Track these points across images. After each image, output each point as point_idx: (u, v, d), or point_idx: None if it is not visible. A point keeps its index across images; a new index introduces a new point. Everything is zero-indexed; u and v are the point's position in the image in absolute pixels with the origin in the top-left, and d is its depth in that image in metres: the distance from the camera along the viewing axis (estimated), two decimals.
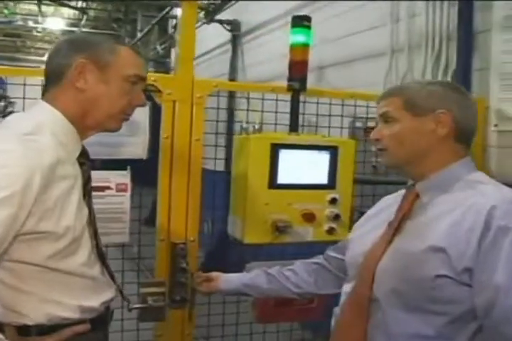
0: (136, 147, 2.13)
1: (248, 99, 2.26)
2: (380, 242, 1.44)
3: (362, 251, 1.49)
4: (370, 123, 3.06)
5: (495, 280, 1.22)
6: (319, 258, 1.83)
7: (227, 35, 6.45)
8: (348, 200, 2.26)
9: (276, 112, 2.34)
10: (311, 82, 3.98)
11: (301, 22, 2.20)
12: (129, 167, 2.09)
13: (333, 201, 2.21)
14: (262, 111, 2.28)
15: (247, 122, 2.16)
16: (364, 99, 2.38)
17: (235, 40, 6.35)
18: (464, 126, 1.43)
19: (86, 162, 1.46)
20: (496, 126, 2.74)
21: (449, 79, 2.95)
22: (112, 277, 1.51)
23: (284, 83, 2.22)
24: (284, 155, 2.12)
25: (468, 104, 1.46)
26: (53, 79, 1.41)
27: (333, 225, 2.22)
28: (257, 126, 2.14)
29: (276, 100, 2.32)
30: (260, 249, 2.34)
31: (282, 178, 2.13)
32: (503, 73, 2.69)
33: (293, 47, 2.21)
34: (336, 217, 2.20)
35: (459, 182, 1.40)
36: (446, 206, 1.36)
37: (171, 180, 2.15)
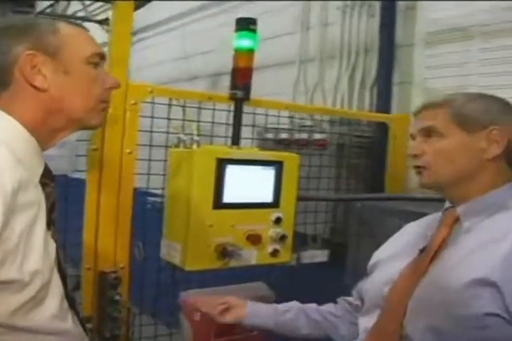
0: (60, 161, 1.81)
1: (184, 107, 2.03)
2: (411, 271, 1.29)
3: (385, 280, 1.33)
4: (284, 135, 2.95)
5: None
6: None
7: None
8: (291, 219, 2.10)
9: (213, 123, 2.13)
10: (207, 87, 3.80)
11: (246, 25, 2.00)
12: None
13: (278, 221, 2.04)
14: (199, 122, 2.05)
15: (185, 133, 1.92)
16: (307, 112, 2.24)
17: None
18: None
19: (50, 182, 1.16)
20: None
21: (367, 91, 2.91)
22: (84, 326, 1.21)
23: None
24: (230, 171, 1.92)
25: None
26: None
27: (277, 247, 2.05)
28: (195, 138, 1.91)
29: (214, 109, 2.11)
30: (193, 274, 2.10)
31: (228, 197, 1.92)
32: (426, 88, 2.69)
33: (237, 53, 2.01)
34: (282, 238, 2.03)
35: (506, 207, 1.27)
36: (493, 234, 1.22)
37: (99, 198, 1.87)
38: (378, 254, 1.52)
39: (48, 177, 1.15)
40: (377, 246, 2.21)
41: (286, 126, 2.90)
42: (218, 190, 1.90)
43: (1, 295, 0.99)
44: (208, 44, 3.80)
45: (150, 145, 2.04)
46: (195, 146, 1.93)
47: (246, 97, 2.03)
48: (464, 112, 1.29)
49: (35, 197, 1.07)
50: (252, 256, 2.00)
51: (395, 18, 2.75)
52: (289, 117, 2.76)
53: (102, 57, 1.19)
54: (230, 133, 2.06)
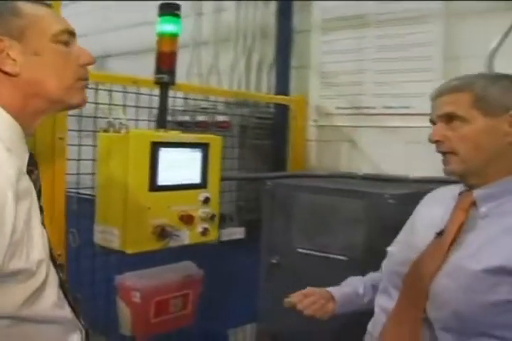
0: None
1: (110, 91, 2.02)
2: (431, 255, 1.31)
3: (403, 259, 1.37)
4: (183, 117, 2.98)
5: None
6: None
7: None
8: (217, 199, 2.19)
9: (137, 107, 2.14)
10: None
11: (170, 10, 2.03)
12: None
13: (206, 201, 2.12)
14: (125, 106, 2.06)
15: (114, 118, 1.93)
16: (223, 95, 2.32)
17: None
18: None
19: (34, 170, 1.15)
20: (315, 121, 2.93)
21: (265, 75, 3.04)
22: (76, 314, 1.22)
23: None
24: (163, 154, 1.96)
25: None
26: None
27: (206, 226, 2.13)
28: (123, 122, 1.93)
29: (137, 93, 2.13)
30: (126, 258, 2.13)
31: (162, 179, 1.97)
32: (322, 72, 2.88)
33: (161, 38, 2.04)
34: (212, 217, 2.11)
35: None
36: None
37: None
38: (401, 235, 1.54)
39: (32, 165, 1.15)
40: (289, 221, 2.38)
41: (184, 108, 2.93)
42: (153, 172, 1.94)
43: (10, 287, 0.99)
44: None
45: (80, 131, 2.02)
46: (124, 130, 1.95)
47: (171, 82, 2.07)
48: (486, 97, 1.27)
49: (28, 184, 1.07)
50: (185, 236, 2.07)
51: (291, 5, 2.89)
52: (185, 98, 2.76)
53: (71, 33, 1.16)
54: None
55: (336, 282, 2.20)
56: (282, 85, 2.93)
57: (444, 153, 1.34)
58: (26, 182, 1.06)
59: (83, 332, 1.20)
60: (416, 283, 1.30)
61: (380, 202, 2.13)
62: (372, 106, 2.71)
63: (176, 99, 2.51)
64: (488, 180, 1.31)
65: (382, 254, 2.06)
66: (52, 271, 1.11)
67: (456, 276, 1.23)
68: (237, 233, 2.53)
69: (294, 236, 2.38)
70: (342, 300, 1.61)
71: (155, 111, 2.31)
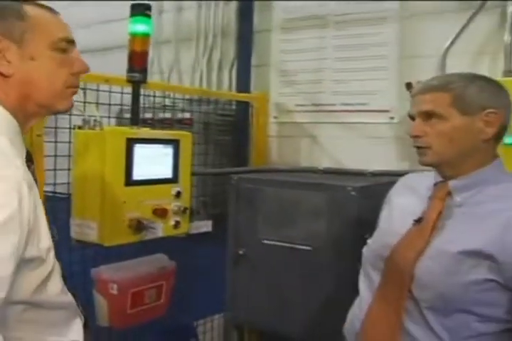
0: None
1: (85, 90, 2.07)
2: (412, 240, 1.41)
3: (384, 244, 1.47)
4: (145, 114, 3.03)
5: None
6: None
7: None
8: (188, 193, 2.27)
9: (110, 104, 2.20)
10: None
11: (141, 10, 2.10)
12: None
13: (178, 195, 2.20)
14: (97, 104, 2.12)
15: (89, 116, 1.98)
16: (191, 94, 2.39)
17: None
18: (506, 125, 1.41)
19: (31, 165, 1.20)
20: (275, 117, 3.04)
21: (226, 73, 3.13)
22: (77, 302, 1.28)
23: None
24: (137, 149, 2.03)
25: (510, 102, 1.42)
26: None
27: (178, 219, 2.21)
28: (98, 119, 1.98)
29: (110, 92, 2.18)
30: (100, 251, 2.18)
31: (137, 174, 2.04)
32: (282, 70, 2.99)
33: (133, 38, 2.11)
34: (185, 211, 2.20)
35: (495, 182, 1.39)
36: (487, 207, 1.35)
37: None
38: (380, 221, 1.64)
39: (29, 159, 1.20)
40: (255, 214, 2.47)
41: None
42: (128, 167, 2.01)
43: (24, 274, 1.04)
44: None
45: (55, 128, 2.06)
46: (98, 128, 2.01)
47: (143, 80, 2.14)
48: (463, 96, 1.37)
49: (30, 176, 1.13)
50: (159, 229, 2.14)
51: (252, 5, 2.99)
52: (146, 95, 2.81)
53: (70, 41, 1.19)
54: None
55: (301, 271, 2.32)
56: (243, 83, 3.02)
57: (420, 148, 1.44)
58: (29, 174, 1.11)
59: (83, 318, 1.27)
60: (399, 265, 1.40)
61: (342, 194, 2.24)
62: (332, 103, 2.84)
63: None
64: (461, 172, 1.42)
65: (346, 243, 2.19)
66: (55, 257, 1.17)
67: (438, 259, 1.35)
68: (205, 226, 2.61)
69: (260, 229, 2.47)
70: None
71: (114, 108, 2.38)
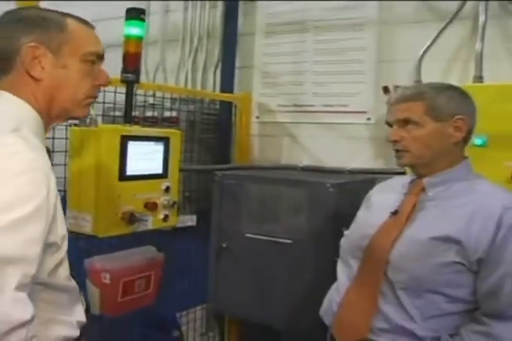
0: None
1: None
2: (389, 229, 1.59)
3: (363, 235, 1.63)
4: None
5: (502, 268, 1.44)
6: None
7: None
8: (176, 188, 2.38)
9: (103, 103, 2.31)
10: None
11: (136, 14, 2.21)
12: None
13: (167, 189, 2.32)
14: (93, 102, 2.21)
15: None
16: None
17: None
18: (472, 130, 1.60)
19: (51, 162, 1.32)
20: (258, 117, 3.17)
21: (210, 73, 3.25)
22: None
23: None
24: (131, 146, 2.14)
25: (475, 109, 1.61)
26: None
27: (167, 212, 2.32)
28: (93, 117, 2.08)
29: (104, 92, 2.28)
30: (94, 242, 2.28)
31: (130, 170, 2.15)
32: (265, 72, 3.13)
33: (127, 40, 2.21)
34: (173, 205, 2.31)
35: (463, 180, 1.58)
36: (455, 202, 1.54)
37: None
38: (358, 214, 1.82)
39: (48, 153, 1.32)
40: (238, 209, 2.60)
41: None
42: (122, 163, 2.11)
43: (45, 257, 1.13)
44: None
45: None
46: (93, 125, 2.11)
47: (137, 80, 2.25)
48: (434, 105, 1.56)
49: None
50: (149, 222, 2.26)
51: (237, 9, 3.12)
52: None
53: (99, 56, 1.31)
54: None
55: (282, 263, 2.45)
56: (227, 84, 3.15)
57: (398, 151, 1.62)
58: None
59: (84, 304, 1.39)
60: (376, 252, 1.58)
61: (322, 191, 2.38)
62: (312, 104, 2.98)
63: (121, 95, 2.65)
64: (434, 170, 1.61)
65: (324, 236, 2.33)
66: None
67: (411, 246, 1.53)
68: (189, 220, 2.73)
69: (243, 223, 2.59)
70: None
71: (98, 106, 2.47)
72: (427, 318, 1.51)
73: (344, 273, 1.71)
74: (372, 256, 1.60)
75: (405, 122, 1.58)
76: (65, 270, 1.25)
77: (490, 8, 2.42)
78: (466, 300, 1.51)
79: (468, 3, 2.51)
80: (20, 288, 1.01)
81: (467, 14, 2.52)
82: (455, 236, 1.47)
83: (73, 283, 1.31)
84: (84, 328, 1.32)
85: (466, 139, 1.61)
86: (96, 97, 1.37)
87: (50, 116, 1.29)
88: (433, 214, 1.57)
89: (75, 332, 1.25)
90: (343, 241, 1.80)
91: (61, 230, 1.19)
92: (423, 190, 1.62)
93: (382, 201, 1.74)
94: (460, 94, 1.62)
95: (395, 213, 1.63)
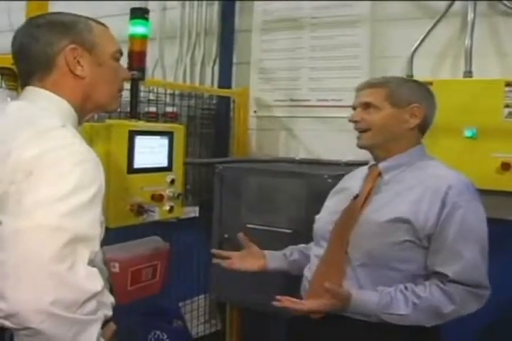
0: None
1: None
2: (348, 214, 1.75)
3: (330, 220, 1.78)
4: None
5: (448, 243, 1.60)
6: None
7: None
8: (181, 181, 2.48)
9: None
10: None
11: (140, 14, 2.30)
12: None
13: (172, 182, 2.41)
14: None
15: None
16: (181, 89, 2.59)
17: None
18: (428, 119, 1.76)
19: None
20: (255, 112, 3.27)
21: (208, 69, 3.34)
22: None
23: None
24: (138, 141, 2.23)
25: (434, 101, 1.79)
26: (38, 68, 1.35)
27: (173, 204, 2.42)
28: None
29: None
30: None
31: (137, 163, 2.24)
32: (261, 68, 3.23)
33: (132, 39, 2.30)
34: (179, 196, 2.41)
35: (416, 164, 1.74)
36: (407, 184, 1.69)
37: None
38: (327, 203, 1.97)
39: None
40: (239, 200, 2.69)
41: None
42: (130, 157, 2.21)
43: None
44: None
45: None
46: (101, 121, 2.21)
47: (142, 77, 2.34)
48: (395, 93, 1.72)
49: None
50: (156, 213, 2.35)
51: (234, 7, 3.22)
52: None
53: (121, 53, 1.47)
54: None
55: None
56: (225, 79, 3.25)
57: (359, 131, 1.78)
58: None
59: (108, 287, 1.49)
60: (339, 234, 1.74)
61: (320, 182, 2.48)
62: (307, 99, 3.09)
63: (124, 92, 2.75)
64: (389, 154, 1.76)
65: None
66: None
67: (366, 227, 1.69)
68: (191, 211, 2.83)
69: (243, 214, 2.69)
70: (270, 256, 2.05)
71: None
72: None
73: (314, 253, 1.85)
74: (336, 237, 1.75)
75: (367, 105, 1.74)
76: (100, 253, 1.37)
77: (478, 6, 2.54)
78: (417, 274, 1.65)
79: (457, 2, 2.62)
80: (90, 263, 1.16)
81: (456, 12, 2.64)
82: (404, 216, 1.62)
83: (102, 265, 1.43)
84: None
85: (421, 127, 1.76)
86: (123, 90, 1.51)
87: (84, 111, 1.42)
88: (386, 197, 1.71)
89: (110, 312, 1.35)
90: (315, 226, 1.94)
91: (102, 216, 1.30)
92: (379, 174, 1.77)
93: (348, 188, 1.89)
94: (420, 86, 1.79)
95: (355, 197, 1.78)
